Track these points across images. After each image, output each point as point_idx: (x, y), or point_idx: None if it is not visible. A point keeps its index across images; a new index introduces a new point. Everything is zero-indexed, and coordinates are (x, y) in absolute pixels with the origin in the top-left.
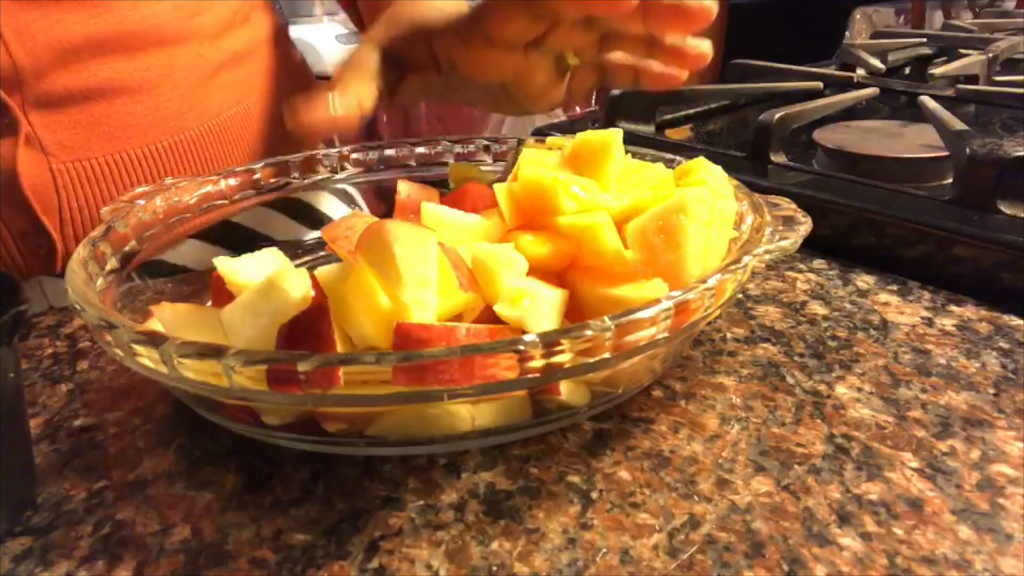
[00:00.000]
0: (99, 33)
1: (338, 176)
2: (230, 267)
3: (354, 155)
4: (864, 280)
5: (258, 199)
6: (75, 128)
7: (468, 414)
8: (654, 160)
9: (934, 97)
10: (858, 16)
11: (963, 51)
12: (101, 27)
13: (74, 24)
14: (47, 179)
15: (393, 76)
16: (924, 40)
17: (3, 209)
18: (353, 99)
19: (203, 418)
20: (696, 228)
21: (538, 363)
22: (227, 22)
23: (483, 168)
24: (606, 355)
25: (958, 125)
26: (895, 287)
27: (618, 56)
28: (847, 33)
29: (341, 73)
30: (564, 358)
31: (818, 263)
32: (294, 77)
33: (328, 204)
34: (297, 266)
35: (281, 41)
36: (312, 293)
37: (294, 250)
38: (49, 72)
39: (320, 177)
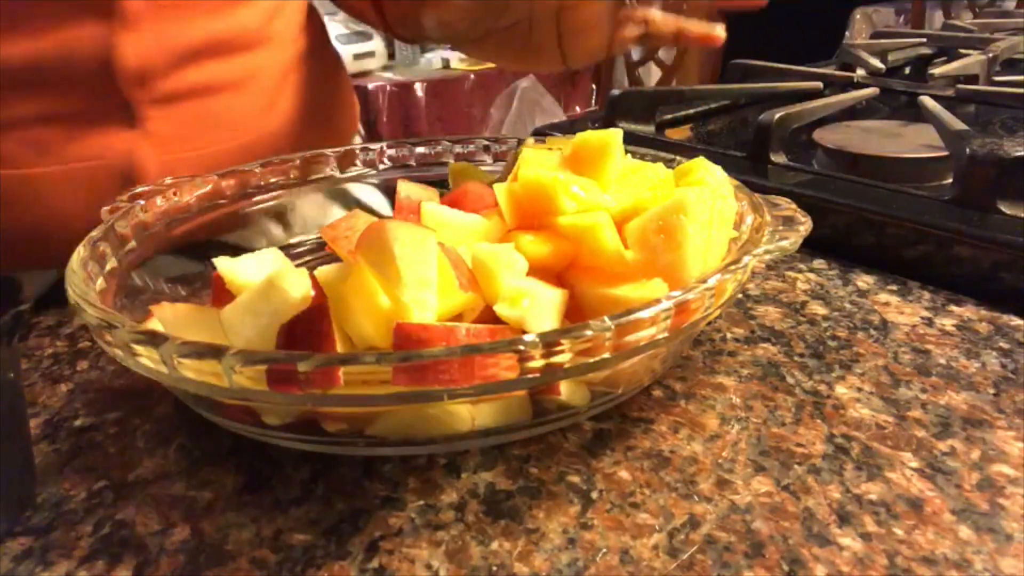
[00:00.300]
0: (210, 37)
1: (338, 176)
2: (230, 267)
3: (361, 154)
4: (864, 280)
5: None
6: (184, 122)
7: (468, 414)
8: (654, 160)
9: (934, 97)
10: (858, 16)
11: (963, 51)
12: (212, 31)
13: (194, 29)
14: (160, 169)
15: None
16: (924, 40)
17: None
18: None
19: (203, 418)
20: (696, 228)
21: (538, 363)
22: (295, 26)
23: (483, 168)
24: (606, 355)
25: (958, 125)
26: (895, 287)
27: (659, 12)
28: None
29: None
30: (564, 358)
31: (818, 263)
32: (336, 76)
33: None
34: (297, 266)
35: (326, 43)
36: (312, 293)
37: (294, 250)
38: (168, 72)
39: (320, 176)
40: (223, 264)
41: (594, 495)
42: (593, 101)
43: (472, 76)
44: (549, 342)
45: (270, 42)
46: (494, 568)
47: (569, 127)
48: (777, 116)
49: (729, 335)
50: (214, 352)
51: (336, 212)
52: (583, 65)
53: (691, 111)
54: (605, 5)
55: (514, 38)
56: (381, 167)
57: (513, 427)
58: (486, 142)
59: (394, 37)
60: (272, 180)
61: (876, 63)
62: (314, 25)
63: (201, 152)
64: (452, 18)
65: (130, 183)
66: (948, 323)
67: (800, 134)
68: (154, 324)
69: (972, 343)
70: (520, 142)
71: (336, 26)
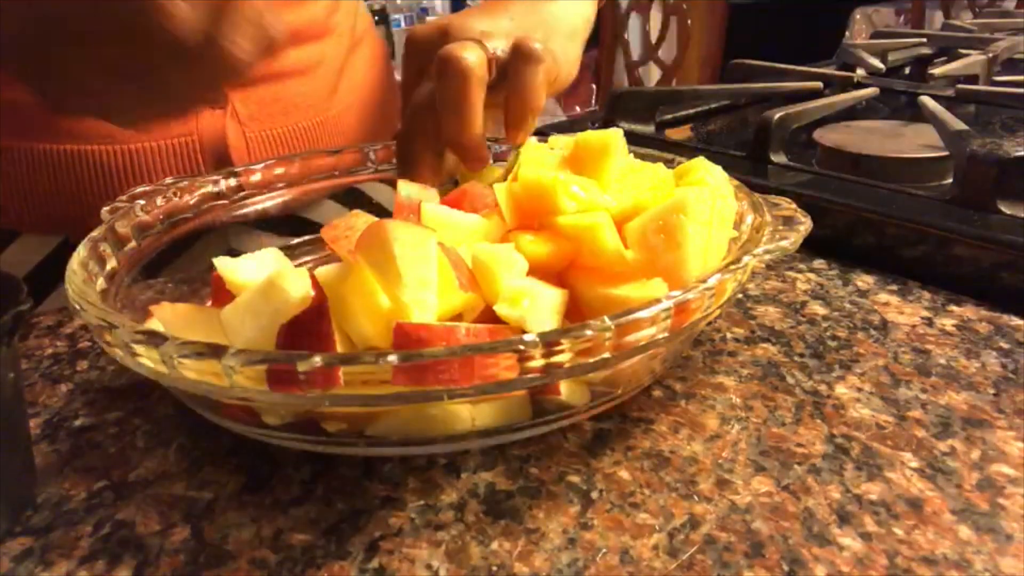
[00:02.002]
0: (287, 27)
1: (337, 175)
2: (230, 267)
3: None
4: (864, 280)
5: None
6: (262, 103)
7: (468, 414)
8: (654, 160)
9: (934, 97)
10: (858, 16)
11: (963, 51)
12: (289, 22)
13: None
14: (243, 143)
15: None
16: (924, 40)
17: (213, 166)
18: None
19: (203, 418)
20: (696, 228)
21: (538, 363)
22: (351, 17)
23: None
24: (606, 355)
25: (958, 125)
26: (895, 287)
27: None
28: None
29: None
30: (564, 358)
31: (818, 263)
32: (385, 65)
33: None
34: (297, 266)
35: (374, 34)
36: (312, 293)
37: (294, 250)
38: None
39: (323, 176)
40: (223, 264)
41: (594, 495)
42: (593, 101)
43: None
44: (549, 342)
45: (332, 33)
46: (494, 568)
47: (569, 127)
48: (777, 116)
49: (729, 335)
50: (214, 352)
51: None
52: None
53: (691, 111)
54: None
55: None
56: (382, 167)
57: (513, 427)
58: (486, 142)
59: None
60: (272, 180)
61: (876, 63)
62: (363, 18)
63: (275, 132)
64: None
65: (222, 156)
66: (948, 323)
67: (800, 134)
68: (154, 324)
69: (972, 343)
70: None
71: None
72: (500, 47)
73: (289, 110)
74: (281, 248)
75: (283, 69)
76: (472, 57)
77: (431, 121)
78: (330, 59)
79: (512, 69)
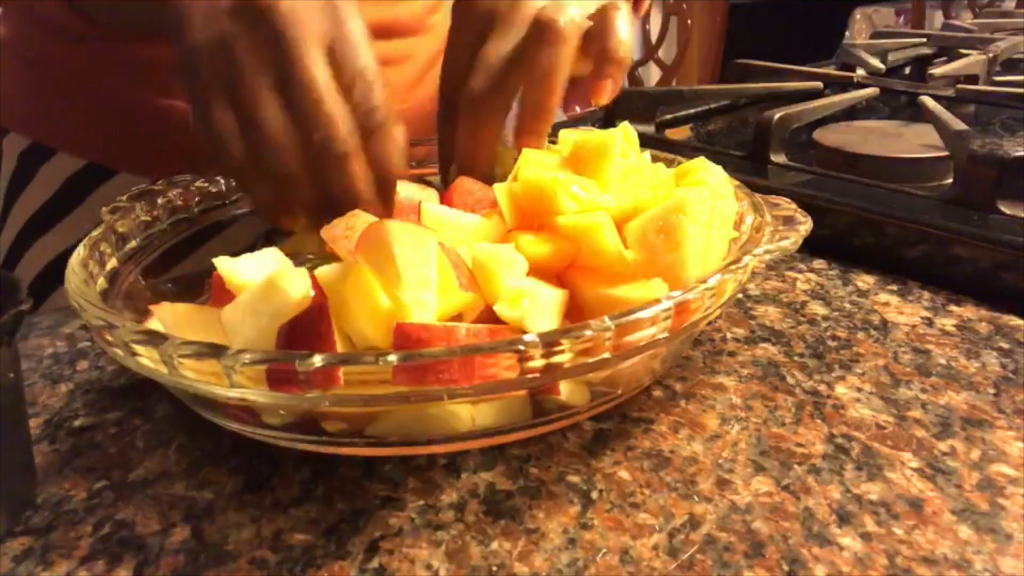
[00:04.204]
0: (381, 20)
1: None
2: (230, 267)
3: None
4: (864, 280)
5: None
6: None
7: (468, 414)
8: (654, 160)
9: (934, 97)
10: (858, 16)
11: (963, 51)
12: (378, 17)
13: (370, 11)
14: None
15: None
16: (924, 40)
17: None
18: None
19: (203, 418)
20: (696, 228)
21: (538, 363)
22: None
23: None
24: (606, 355)
25: (958, 125)
26: (895, 287)
27: None
28: (847, 33)
29: None
30: (564, 358)
31: (818, 263)
32: None
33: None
34: (297, 266)
35: None
36: (312, 293)
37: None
38: None
39: None
40: (223, 264)
41: (594, 495)
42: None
43: None
44: (549, 342)
45: (428, 31)
46: (494, 568)
47: (569, 127)
48: (777, 116)
49: (729, 335)
50: (214, 352)
51: None
52: None
53: (691, 111)
54: None
55: None
56: None
57: (513, 427)
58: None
59: None
60: None
61: (876, 63)
62: None
63: None
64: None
65: None
66: (948, 323)
67: (800, 134)
68: (154, 324)
69: (972, 343)
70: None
71: None
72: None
73: None
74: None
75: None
76: (570, 25)
77: (511, 80)
78: (420, 55)
79: (532, 50)
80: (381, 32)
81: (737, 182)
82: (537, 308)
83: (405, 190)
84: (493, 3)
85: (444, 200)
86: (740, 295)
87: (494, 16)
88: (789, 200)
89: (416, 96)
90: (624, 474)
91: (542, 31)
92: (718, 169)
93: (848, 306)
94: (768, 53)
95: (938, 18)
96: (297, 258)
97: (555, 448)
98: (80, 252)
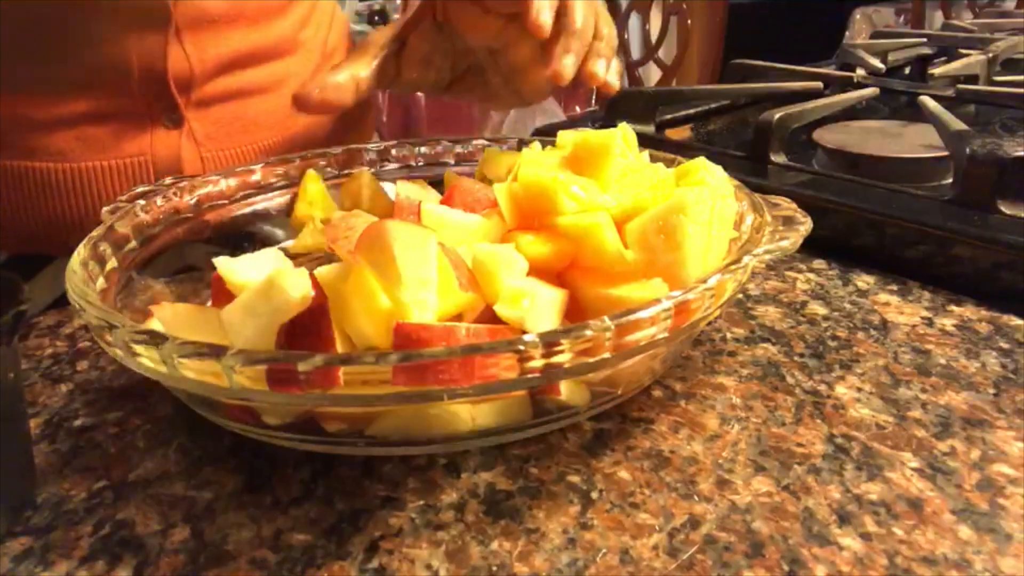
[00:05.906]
0: (251, 47)
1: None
2: (230, 267)
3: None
4: (864, 280)
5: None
6: (220, 123)
7: (468, 414)
8: (654, 160)
9: (934, 97)
10: (858, 16)
11: (963, 51)
12: (252, 41)
13: (238, 40)
14: (199, 165)
15: (396, 46)
16: (924, 40)
17: None
18: (346, 74)
19: (203, 418)
20: (696, 228)
21: (538, 363)
22: (323, 31)
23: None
24: (606, 355)
25: (958, 125)
26: (895, 287)
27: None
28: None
29: (347, 53)
30: (564, 358)
31: (818, 263)
32: None
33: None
34: (297, 266)
35: (348, 45)
36: (312, 293)
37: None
38: (211, 78)
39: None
40: (223, 264)
41: (594, 495)
42: (593, 101)
43: None
44: (549, 342)
45: (300, 48)
46: (494, 568)
47: (569, 127)
48: (777, 116)
49: (729, 335)
50: (214, 352)
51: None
52: (540, 100)
53: (691, 111)
54: (535, 43)
55: (474, 84)
56: (383, 167)
57: (513, 427)
58: (486, 142)
59: None
60: (272, 180)
61: (876, 63)
62: (337, 29)
63: (234, 151)
64: (417, 79)
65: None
66: (948, 323)
67: (800, 134)
68: (154, 324)
69: (972, 343)
70: (521, 142)
71: (353, 2)
72: None
73: (250, 128)
74: (281, 248)
75: (244, 87)
76: None
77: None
78: (296, 76)
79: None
80: (252, 60)
81: (737, 182)
82: (537, 308)
83: (405, 190)
84: None
85: (444, 200)
86: (740, 295)
87: None
88: (789, 200)
89: (296, 125)
90: (624, 474)
91: None
92: (718, 169)
93: (848, 306)
94: (768, 53)
95: (938, 18)
96: (299, 258)
97: (555, 448)
98: (80, 252)
